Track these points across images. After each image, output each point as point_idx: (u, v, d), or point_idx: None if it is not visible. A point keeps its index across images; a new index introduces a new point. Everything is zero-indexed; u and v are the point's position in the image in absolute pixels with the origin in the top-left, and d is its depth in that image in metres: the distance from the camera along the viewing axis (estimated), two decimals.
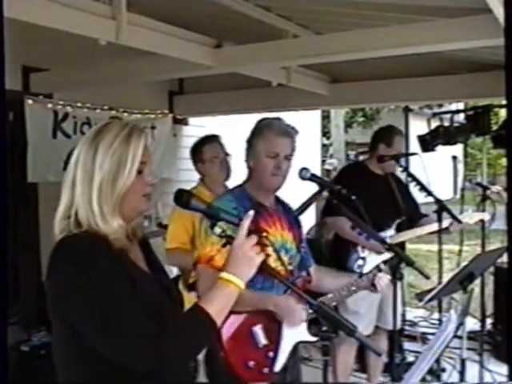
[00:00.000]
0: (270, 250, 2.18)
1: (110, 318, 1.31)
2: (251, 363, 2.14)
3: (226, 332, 2.13)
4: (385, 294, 3.08)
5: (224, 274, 1.42)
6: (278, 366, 2.18)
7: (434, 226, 3.63)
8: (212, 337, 1.42)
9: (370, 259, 3.55)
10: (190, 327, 1.37)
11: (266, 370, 2.15)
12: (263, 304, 2.17)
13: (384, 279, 2.38)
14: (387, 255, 3.48)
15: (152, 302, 1.40)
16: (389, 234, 3.64)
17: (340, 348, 3.61)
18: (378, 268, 2.42)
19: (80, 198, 1.40)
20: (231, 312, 1.95)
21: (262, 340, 2.17)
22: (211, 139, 3.41)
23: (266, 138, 2.25)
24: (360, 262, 3.57)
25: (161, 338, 1.30)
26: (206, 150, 3.35)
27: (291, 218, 2.45)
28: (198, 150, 3.40)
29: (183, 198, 1.53)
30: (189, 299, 2.55)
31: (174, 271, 3.48)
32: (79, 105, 4.60)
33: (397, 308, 2.74)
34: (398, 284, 2.53)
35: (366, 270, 3.39)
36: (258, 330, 2.17)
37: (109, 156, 1.39)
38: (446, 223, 3.61)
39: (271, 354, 2.16)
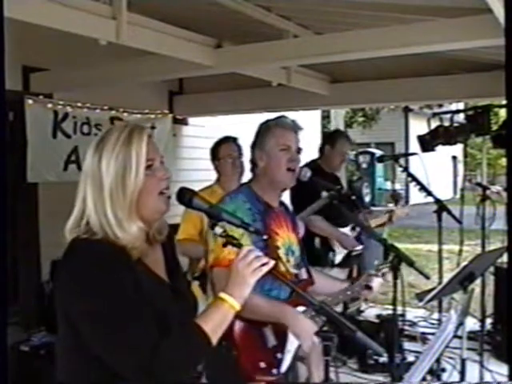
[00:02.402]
0: (280, 252, 2.21)
1: (110, 322, 1.30)
2: (262, 364, 2.13)
3: (238, 331, 2.12)
4: None
5: (221, 294, 1.43)
6: (284, 367, 2.17)
7: (378, 220, 4.05)
8: (206, 353, 1.42)
9: (339, 251, 3.98)
10: (187, 345, 1.36)
11: (274, 370, 2.15)
12: (279, 318, 2.14)
13: (378, 281, 2.40)
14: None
15: (158, 309, 1.39)
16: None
17: None
18: (368, 273, 2.44)
19: (92, 209, 1.38)
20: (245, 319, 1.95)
21: (272, 341, 2.16)
22: (228, 139, 3.60)
23: (276, 132, 2.26)
24: (331, 255, 3.94)
25: (155, 352, 1.29)
26: (222, 148, 3.57)
27: (292, 218, 2.46)
28: (215, 148, 3.61)
29: (186, 197, 1.53)
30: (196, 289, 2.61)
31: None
32: (79, 105, 4.61)
33: None
34: (398, 284, 2.52)
35: (336, 261, 3.97)
36: (268, 330, 2.16)
37: (113, 160, 1.39)
38: (384, 218, 3.90)
39: (279, 354, 2.16)
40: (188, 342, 1.37)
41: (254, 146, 2.34)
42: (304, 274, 2.41)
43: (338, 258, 4.02)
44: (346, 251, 3.99)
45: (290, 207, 2.80)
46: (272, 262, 1.45)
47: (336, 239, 3.90)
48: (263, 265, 1.43)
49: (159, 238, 1.53)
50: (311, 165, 3.62)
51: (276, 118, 2.33)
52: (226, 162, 3.52)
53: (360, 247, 3.97)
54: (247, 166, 2.46)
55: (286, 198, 2.60)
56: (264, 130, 2.31)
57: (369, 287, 2.39)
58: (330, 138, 4.21)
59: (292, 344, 2.21)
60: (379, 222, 4.01)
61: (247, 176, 2.49)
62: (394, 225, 4.09)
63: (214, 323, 1.39)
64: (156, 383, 1.31)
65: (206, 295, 2.53)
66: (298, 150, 2.30)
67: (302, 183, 2.63)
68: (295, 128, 2.31)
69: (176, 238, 3.40)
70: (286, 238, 2.30)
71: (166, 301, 1.44)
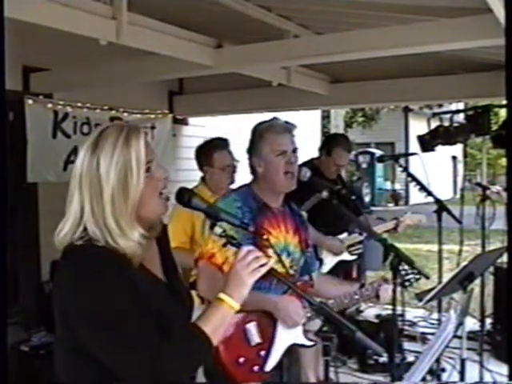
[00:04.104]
0: (271, 251, 2.19)
1: (109, 323, 1.30)
2: (241, 360, 2.13)
3: None
4: None
5: (220, 294, 1.42)
6: (269, 366, 2.17)
7: (382, 227, 3.75)
8: (208, 355, 1.42)
9: (327, 260, 3.69)
10: (188, 347, 1.36)
11: (256, 368, 2.15)
12: (263, 305, 2.16)
13: (388, 291, 2.35)
14: (345, 256, 3.74)
15: (157, 310, 1.39)
16: (341, 236, 3.75)
17: None
18: (383, 278, 2.40)
19: (90, 216, 1.35)
20: None
21: (255, 338, 2.16)
22: (222, 145, 3.43)
23: (270, 138, 2.25)
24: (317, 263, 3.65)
25: (158, 354, 1.29)
26: (218, 157, 3.39)
27: (298, 220, 2.43)
28: (207, 154, 3.42)
29: (185, 197, 1.53)
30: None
31: None
32: (79, 105, 4.61)
33: None
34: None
35: (324, 270, 3.61)
36: (252, 327, 2.17)
37: (113, 166, 1.35)
38: (390, 225, 3.72)
39: (263, 352, 2.16)
40: (190, 343, 1.37)
41: (250, 152, 2.32)
42: (304, 277, 2.39)
43: (327, 268, 3.71)
44: (336, 259, 3.73)
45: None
46: (271, 263, 1.45)
47: (324, 246, 3.66)
48: (262, 265, 1.43)
49: (154, 233, 1.51)
50: (308, 165, 3.58)
51: (267, 122, 2.31)
52: (223, 172, 3.37)
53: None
54: (246, 169, 2.44)
55: None
56: (257, 136, 2.29)
57: (377, 296, 2.37)
58: (327, 144, 4.00)
59: (281, 343, 2.20)
60: (384, 228, 3.83)
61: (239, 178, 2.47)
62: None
63: (214, 324, 1.39)
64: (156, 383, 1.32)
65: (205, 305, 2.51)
66: (294, 150, 2.29)
67: (302, 183, 2.63)
68: (288, 129, 2.29)
69: None
70: (282, 239, 2.29)
71: (163, 300, 1.44)
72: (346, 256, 3.79)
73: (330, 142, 4.01)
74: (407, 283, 2.36)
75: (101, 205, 1.34)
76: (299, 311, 2.15)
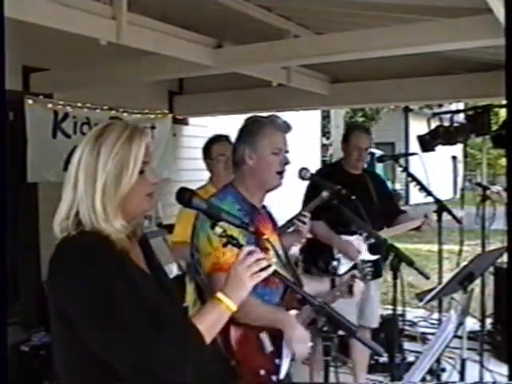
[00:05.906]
0: (271, 254, 2.15)
1: (107, 319, 1.31)
2: (262, 372, 2.07)
3: (235, 339, 2.07)
4: (364, 293, 3.18)
5: (218, 294, 1.42)
6: (283, 373, 2.12)
7: (409, 225, 3.70)
8: (201, 352, 1.41)
9: (345, 260, 3.59)
10: (182, 342, 1.36)
11: (274, 377, 2.09)
12: (275, 322, 2.10)
13: (360, 285, 2.35)
14: (367, 255, 3.58)
15: (151, 304, 1.40)
16: (353, 237, 3.61)
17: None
18: (352, 275, 2.37)
19: (83, 199, 1.40)
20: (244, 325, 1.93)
21: (269, 347, 2.10)
22: (220, 138, 3.52)
23: (270, 134, 2.21)
24: (334, 263, 3.48)
25: (152, 350, 1.30)
26: (216, 148, 3.48)
27: (273, 219, 2.41)
28: (207, 148, 3.54)
29: (185, 197, 1.54)
30: (191, 291, 2.52)
31: (173, 271, 3.48)
32: (79, 105, 4.61)
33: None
34: (398, 284, 2.51)
35: (341, 271, 3.45)
36: (265, 336, 2.11)
37: (112, 157, 1.41)
38: (418, 222, 3.66)
39: (277, 360, 2.10)
40: (183, 339, 1.37)
41: (240, 143, 2.24)
42: (291, 277, 2.37)
43: (345, 268, 3.53)
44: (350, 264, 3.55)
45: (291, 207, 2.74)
46: (272, 268, 1.44)
47: (336, 247, 3.58)
48: (262, 269, 1.42)
49: (138, 232, 1.56)
50: (334, 164, 3.44)
51: (268, 117, 2.28)
52: (218, 161, 3.43)
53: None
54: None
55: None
56: (256, 128, 2.22)
57: (351, 291, 2.34)
58: (345, 134, 3.89)
59: (288, 349, 2.18)
60: (412, 226, 3.71)
61: None
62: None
63: (210, 323, 1.40)
64: (151, 381, 1.32)
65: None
66: (287, 151, 2.26)
67: (310, 184, 2.60)
68: (287, 129, 2.27)
69: (172, 239, 3.39)
70: (272, 240, 2.28)
71: (155, 294, 1.45)
72: (367, 256, 3.58)
73: (347, 131, 3.96)
74: (368, 276, 2.40)
75: (92, 189, 1.40)
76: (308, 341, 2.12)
